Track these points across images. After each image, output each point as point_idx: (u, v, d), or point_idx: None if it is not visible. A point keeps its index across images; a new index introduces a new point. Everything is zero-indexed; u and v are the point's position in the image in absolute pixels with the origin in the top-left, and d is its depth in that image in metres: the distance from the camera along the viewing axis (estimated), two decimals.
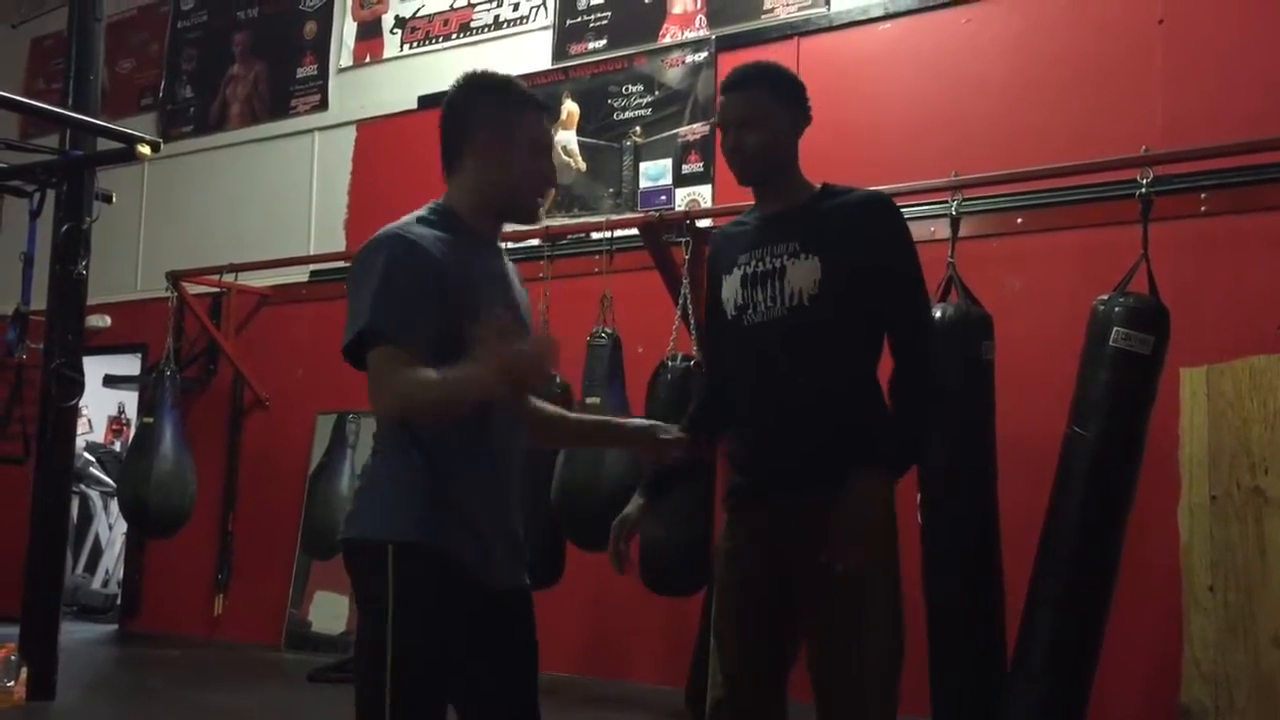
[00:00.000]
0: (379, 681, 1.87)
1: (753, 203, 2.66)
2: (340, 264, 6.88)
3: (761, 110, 2.49)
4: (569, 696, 5.30)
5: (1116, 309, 4.02)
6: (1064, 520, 4.05)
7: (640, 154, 5.98)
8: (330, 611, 6.49)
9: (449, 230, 2.12)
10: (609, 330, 5.17)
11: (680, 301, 5.04)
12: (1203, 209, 4.54)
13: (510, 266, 2.30)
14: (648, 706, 4.99)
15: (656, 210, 5.63)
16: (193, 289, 7.01)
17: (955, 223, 4.54)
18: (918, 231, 5.05)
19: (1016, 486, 4.32)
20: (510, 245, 6.21)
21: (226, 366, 7.17)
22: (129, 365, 8.22)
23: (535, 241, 5.92)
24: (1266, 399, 4.32)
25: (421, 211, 2.20)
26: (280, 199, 7.26)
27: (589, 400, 5.04)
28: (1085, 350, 4.09)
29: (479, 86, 2.20)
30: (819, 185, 2.62)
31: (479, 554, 2.02)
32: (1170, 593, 4.39)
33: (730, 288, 2.51)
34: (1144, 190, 4.18)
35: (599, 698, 5.25)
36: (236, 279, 6.99)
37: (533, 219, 2.23)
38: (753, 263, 2.51)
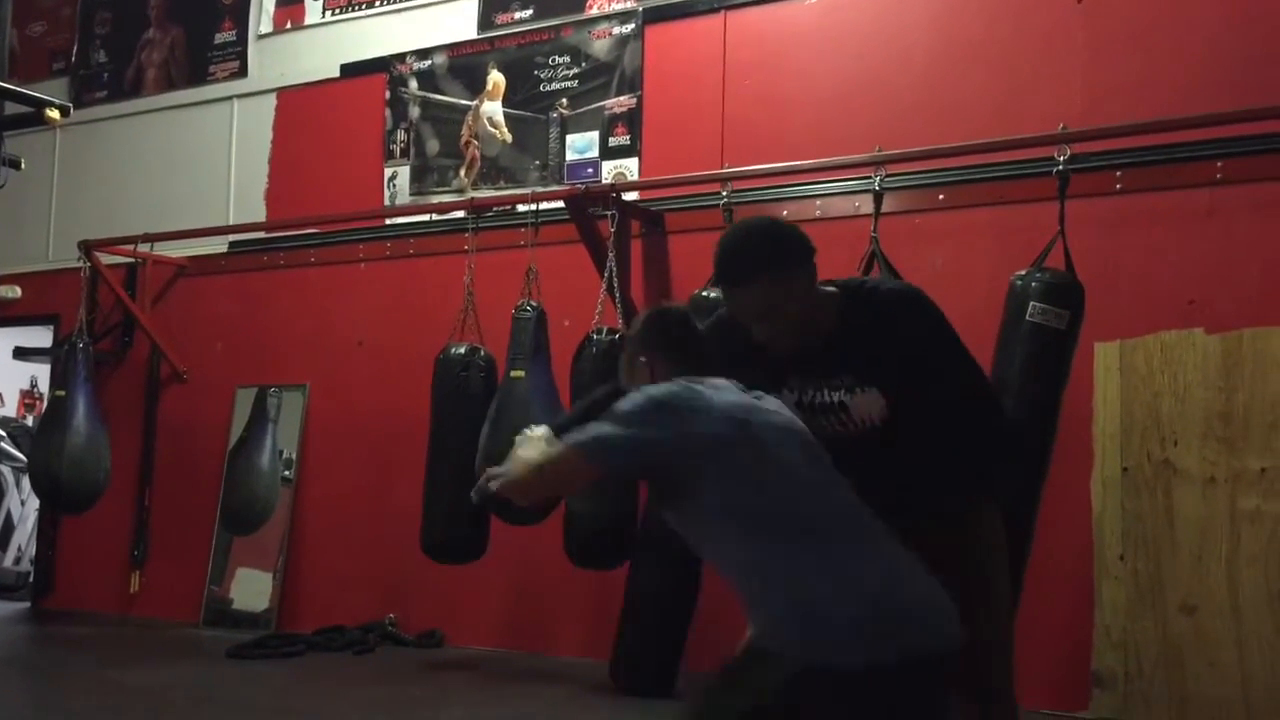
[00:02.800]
0: None
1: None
2: (259, 234, 6.77)
3: (779, 292, 2.33)
4: (492, 670, 5.29)
5: (1033, 284, 4.09)
6: None
7: (567, 126, 5.94)
8: (252, 588, 6.40)
9: None
10: (534, 303, 5.15)
11: (606, 275, 5.03)
12: (1118, 186, 4.63)
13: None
14: (572, 679, 5.00)
15: (583, 183, 5.60)
16: (107, 260, 6.84)
17: (878, 198, 4.59)
18: (841, 206, 5.17)
19: None
20: (435, 217, 6.20)
21: (143, 339, 7.01)
22: (41, 338, 8.00)
23: (460, 214, 5.87)
24: (1177, 373, 4.44)
25: None
26: (198, 168, 7.09)
27: (514, 374, 5.02)
28: (1003, 325, 4.16)
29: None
30: (834, 289, 2.47)
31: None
32: (1083, 563, 4.51)
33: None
34: (1061, 167, 4.26)
35: (524, 671, 5.25)
36: (152, 249, 6.83)
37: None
38: (809, 393, 2.42)
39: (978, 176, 4.89)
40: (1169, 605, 4.34)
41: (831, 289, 2.46)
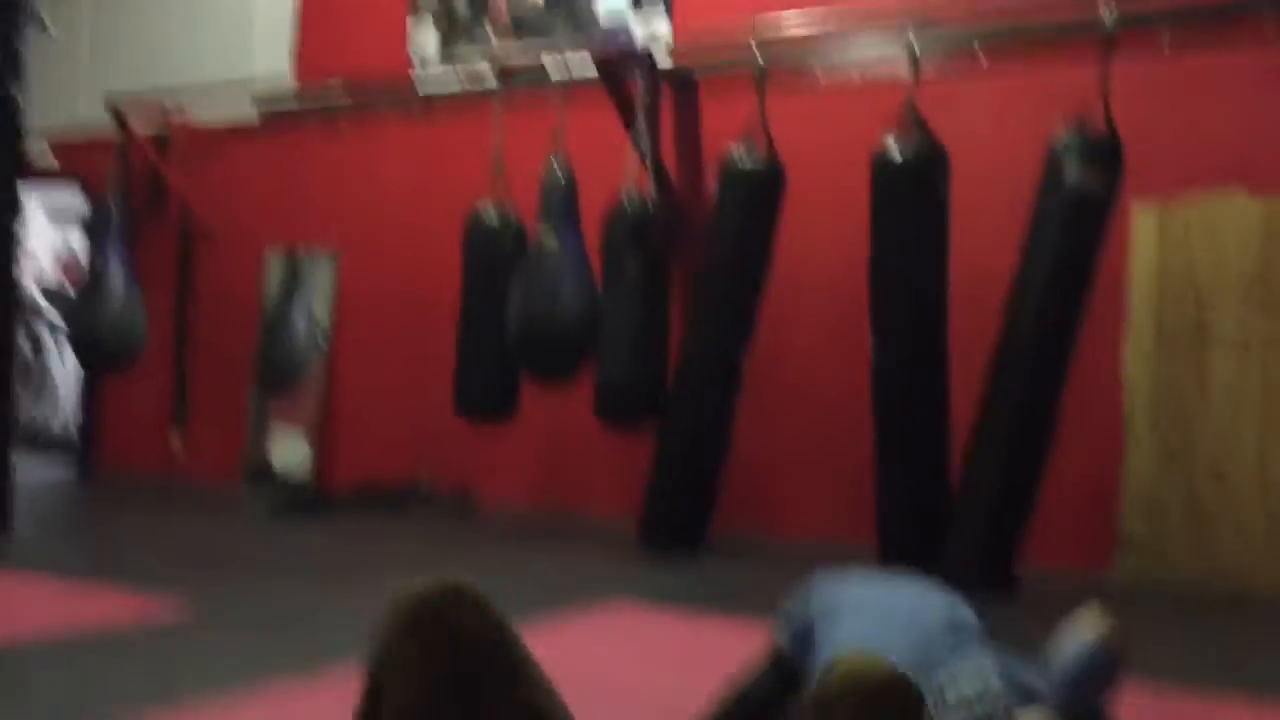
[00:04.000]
0: None
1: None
2: (289, 98, 6.71)
3: None
4: (524, 528, 5.41)
5: (1073, 146, 4.02)
6: (1012, 354, 4.13)
7: None
8: (291, 449, 6.54)
9: None
10: (564, 166, 5.10)
11: (635, 138, 4.96)
12: (1165, 47, 4.49)
13: None
14: (603, 537, 5.11)
15: (615, 46, 5.49)
16: (138, 123, 6.82)
17: (915, 59, 4.47)
18: (878, 69, 5.05)
19: (969, 323, 4.38)
20: (464, 81, 6.10)
21: (175, 203, 7.03)
22: (70, 199, 8.01)
23: (490, 77, 5.78)
24: (1215, 237, 4.37)
25: None
26: (225, 27, 7.00)
27: (544, 236, 5.00)
28: (1040, 187, 4.10)
29: None
30: None
31: None
32: (1113, 426, 4.52)
33: None
34: (1108, 27, 4.13)
35: (555, 529, 5.37)
36: (183, 112, 6.79)
37: None
38: None
39: (1019, 35, 4.75)
40: (1198, 469, 4.36)
41: None
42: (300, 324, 6.59)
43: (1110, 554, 4.48)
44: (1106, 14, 4.13)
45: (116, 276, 6.25)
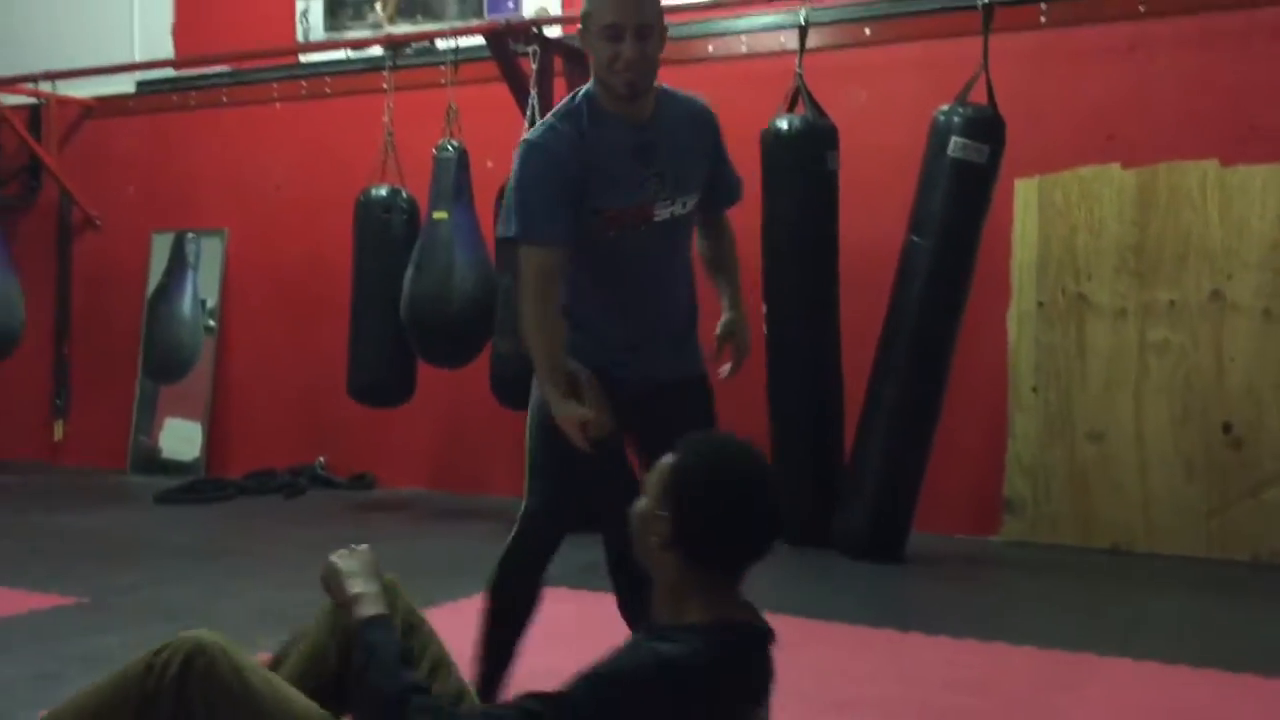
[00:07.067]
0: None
1: None
2: (168, 73, 6.52)
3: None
4: (424, 509, 5.37)
5: (955, 119, 4.11)
6: (900, 326, 4.22)
7: None
8: (181, 436, 6.38)
9: (590, 116, 2.26)
10: (455, 143, 5.05)
11: (529, 114, 4.93)
12: (1042, 20, 4.61)
13: (673, 127, 2.32)
14: (502, 516, 5.08)
15: (503, 18, 5.44)
16: (9, 100, 6.56)
17: (803, 33, 4.52)
18: (767, 42, 5.09)
19: (858, 296, 4.45)
20: (350, 54, 6.00)
21: (51, 184, 6.78)
22: None
23: (378, 50, 5.70)
24: (1093, 208, 4.51)
25: (568, 103, 2.30)
26: (101, 1, 6.77)
27: (436, 215, 4.95)
28: (925, 159, 4.19)
29: None
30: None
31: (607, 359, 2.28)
32: (997, 393, 4.65)
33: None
34: (986, 0, 4.22)
35: (454, 510, 5.34)
36: (55, 88, 6.56)
37: (624, 96, 2.24)
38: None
39: (903, 10, 4.83)
40: (1078, 433, 4.51)
41: None
42: (187, 307, 6.43)
43: (998, 519, 4.61)
44: None
45: None
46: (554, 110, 2.34)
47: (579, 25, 2.27)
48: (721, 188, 2.45)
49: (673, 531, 1.59)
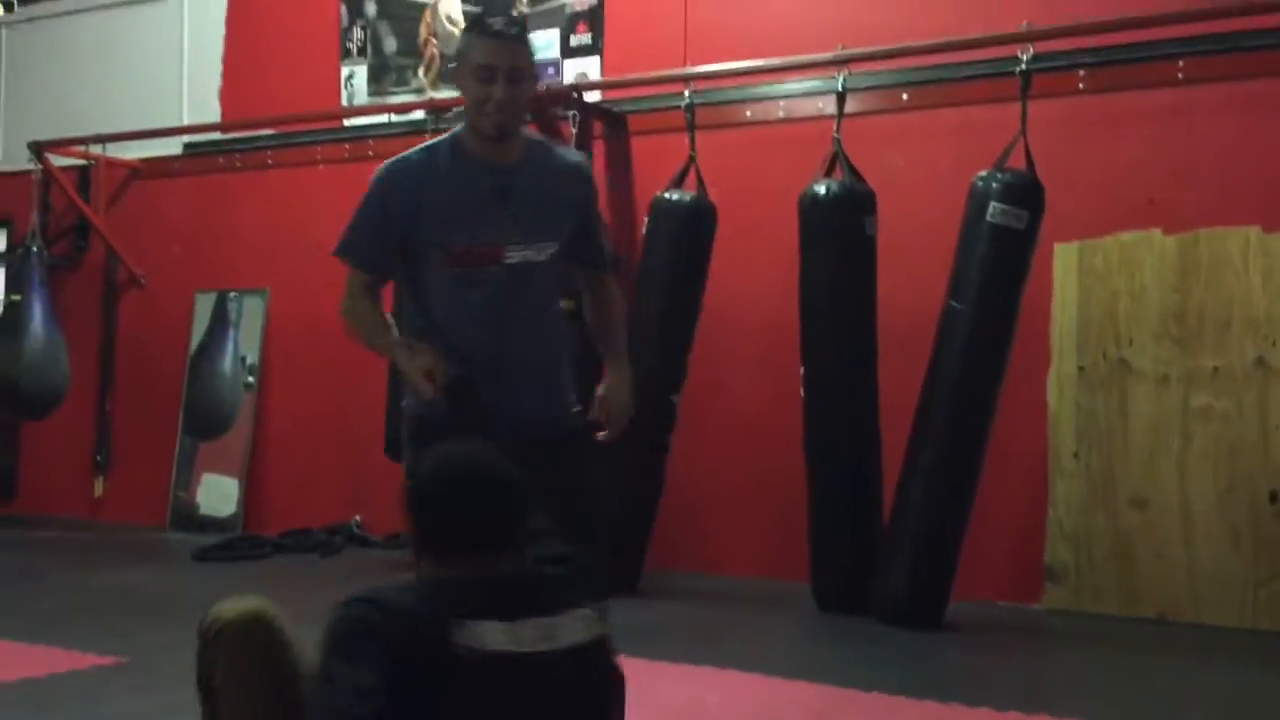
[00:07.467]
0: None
1: None
2: (215, 135, 6.65)
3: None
4: None
5: (994, 185, 4.11)
6: (939, 391, 4.19)
7: (526, 25, 5.82)
8: (218, 493, 6.41)
9: (452, 152, 2.37)
10: None
11: None
12: (1081, 86, 4.62)
13: (538, 174, 2.40)
14: None
15: (544, 83, 5.52)
16: (59, 162, 6.71)
17: (841, 98, 4.56)
18: (805, 107, 5.12)
19: (897, 360, 4.44)
20: (392, 118, 6.09)
21: (98, 243, 6.90)
22: None
23: (420, 114, 5.78)
24: (1134, 273, 4.49)
25: (442, 137, 2.44)
26: (150, 67, 6.91)
27: None
28: (964, 225, 4.19)
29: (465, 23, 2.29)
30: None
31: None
32: (1037, 459, 4.60)
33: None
34: (1024, 66, 4.24)
35: None
36: (105, 150, 6.70)
37: (492, 137, 2.33)
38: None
39: (941, 76, 4.86)
40: (1120, 500, 4.45)
41: None
42: (228, 365, 6.50)
43: (1039, 587, 4.55)
44: (1021, 53, 4.25)
45: (37, 319, 6.13)
46: (424, 143, 2.47)
47: (454, 64, 2.38)
48: (585, 248, 2.50)
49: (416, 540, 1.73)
